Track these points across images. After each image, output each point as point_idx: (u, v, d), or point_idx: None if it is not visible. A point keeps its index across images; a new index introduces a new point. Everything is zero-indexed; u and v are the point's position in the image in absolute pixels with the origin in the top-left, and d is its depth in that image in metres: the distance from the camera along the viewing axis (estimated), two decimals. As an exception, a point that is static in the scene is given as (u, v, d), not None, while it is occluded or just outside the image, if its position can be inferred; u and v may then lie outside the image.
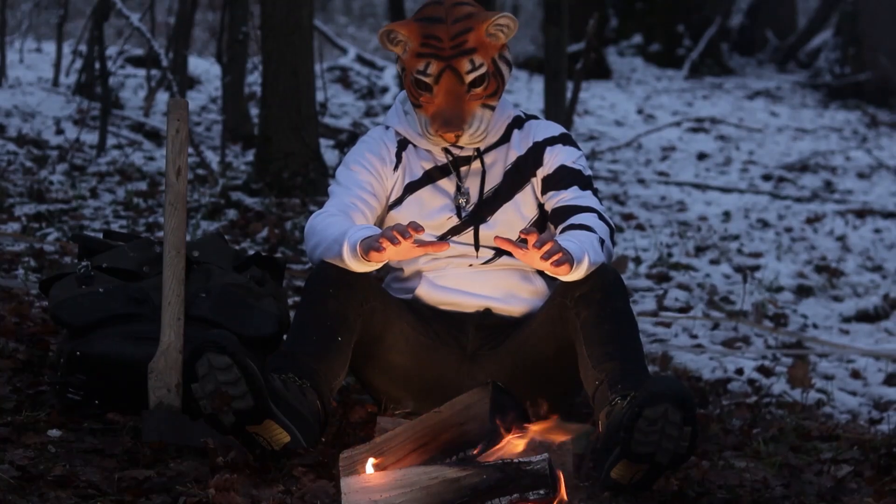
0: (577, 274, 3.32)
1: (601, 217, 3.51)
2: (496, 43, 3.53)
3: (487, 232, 3.57)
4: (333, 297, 3.39)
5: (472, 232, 3.59)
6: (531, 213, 3.62)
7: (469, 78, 3.49)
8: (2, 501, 2.82)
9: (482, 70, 3.50)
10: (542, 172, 3.62)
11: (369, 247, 3.28)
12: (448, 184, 3.61)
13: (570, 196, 3.56)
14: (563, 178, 3.59)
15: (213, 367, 3.06)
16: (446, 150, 3.62)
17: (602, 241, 3.43)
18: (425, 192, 3.61)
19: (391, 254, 3.29)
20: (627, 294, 3.44)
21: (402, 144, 3.66)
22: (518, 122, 3.69)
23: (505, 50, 3.56)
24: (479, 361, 3.58)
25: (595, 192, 3.60)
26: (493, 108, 3.55)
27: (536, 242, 3.18)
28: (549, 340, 3.49)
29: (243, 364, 3.06)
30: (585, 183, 3.59)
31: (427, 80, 3.49)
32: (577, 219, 3.50)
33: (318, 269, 3.45)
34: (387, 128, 3.69)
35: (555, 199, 3.58)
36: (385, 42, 3.55)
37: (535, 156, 3.64)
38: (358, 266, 3.37)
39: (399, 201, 3.62)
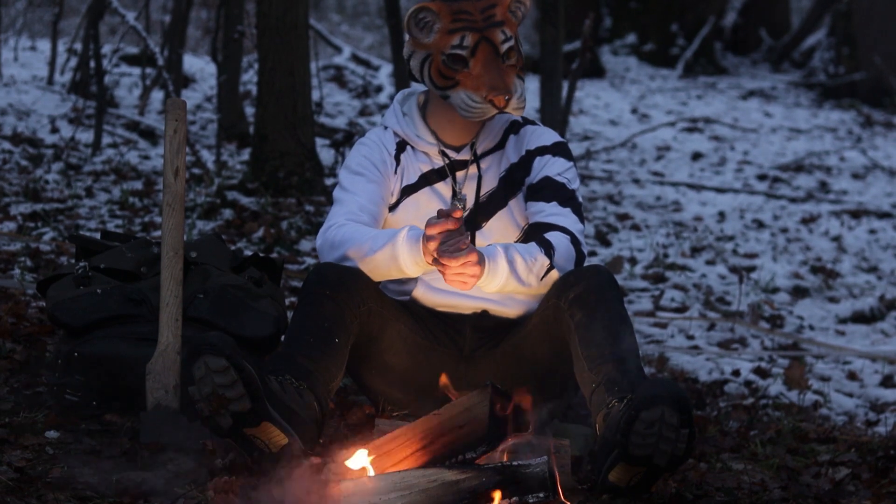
0: (491, 282, 3.37)
1: (574, 241, 3.49)
2: (515, 22, 3.54)
3: (482, 238, 3.57)
4: (330, 299, 3.38)
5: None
6: (524, 220, 3.61)
7: (503, 48, 3.49)
8: (0, 503, 2.82)
9: (513, 42, 3.50)
10: (528, 181, 3.62)
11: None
12: (445, 188, 3.61)
13: (548, 211, 3.54)
14: (544, 188, 3.58)
15: (210, 370, 3.06)
16: (443, 154, 3.61)
17: (549, 268, 3.43)
18: (422, 196, 3.61)
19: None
20: (622, 295, 3.44)
21: (401, 146, 3.65)
22: (515, 127, 3.68)
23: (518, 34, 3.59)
24: (476, 363, 3.58)
25: (576, 208, 3.56)
26: (523, 81, 3.55)
27: (445, 235, 3.24)
28: (544, 342, 3.49)
29: (240, 366, 3.06)
30: (566, 198, 3.57)
31: (463, 52, 3.47)
32: (547, 236, 3.50)
33: (315, 271, 3.45)
34: (385, 129, 3.69)
35: (533, 211, 3.57)
36: (411, 26, 3.51)
37: (525, 165, 3.63)
38: (413, 266, 3.38)
39: (396, 204, 3.62)
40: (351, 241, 3.43)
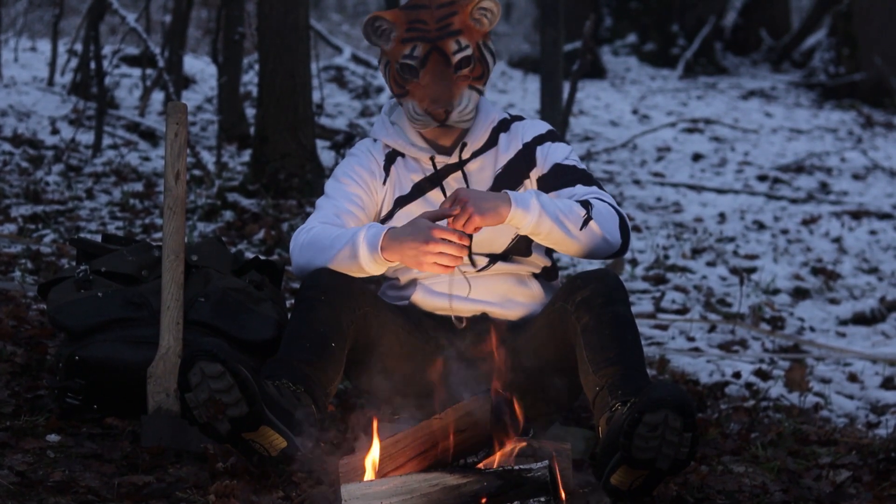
0: (524, 218, 3.35)
1: (612, 205, 3.50)
2: (480, 29, 3.54)
3: (477, 237, 3.56)
4: (326, 304, 3.39)
5: (464, 242, 3.59)
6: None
7: (456, 59, 3.50)
8: (1, 507, 2.83)
9: (468, 52, 3.51)
10: (536, 173, 3.62)
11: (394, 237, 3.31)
12: (438, 195, 3.61)
13: (579, 192, 3.55)
14: (559, 175, 3.59)
15: (206, 376, 3.05)
16: (433, 160, 3.61)
17: (587, 218, 3.41)
18: (415, 207, 3.61)
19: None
20: (629, 299, 3.44)
21: (391, 157, 3.66)
22: (504, 126, 3.69)
23: (488, 39, 3.58)
24: (476, 366, 3.58)
25: (600, 186, 3.59)
26: (480, 92, 3.55)
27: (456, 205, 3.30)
28: (549, 345, 3.49)
29: (235, 371, 3.05)
30: (587, 178, 3.59)
31: (413, 62, 3.50)
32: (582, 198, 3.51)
33: (311, 276, 3.46)
34: (375, 140, 3.70)
35: (567, 194, 3.58)
36: (370, 33, 3.54)
37: (526, 157, 3.64)
38: (372, 264, 3.37)
39: (389, 216, 3.62)
40: (316, 243, 3.46)
